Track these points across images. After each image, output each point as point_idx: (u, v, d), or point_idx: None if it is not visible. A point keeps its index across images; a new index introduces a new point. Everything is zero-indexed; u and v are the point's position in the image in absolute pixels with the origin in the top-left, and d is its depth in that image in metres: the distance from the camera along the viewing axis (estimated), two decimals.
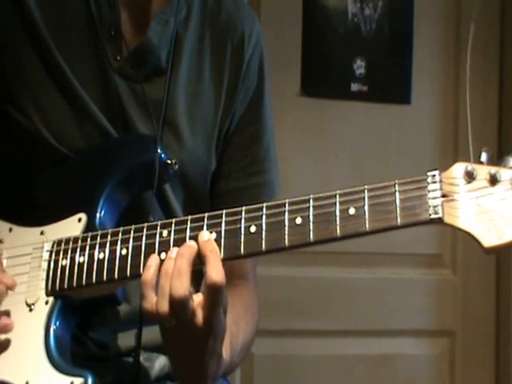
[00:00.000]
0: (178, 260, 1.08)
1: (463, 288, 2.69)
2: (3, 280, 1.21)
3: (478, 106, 2.60)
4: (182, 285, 1.05)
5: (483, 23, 2.65)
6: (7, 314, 1.21)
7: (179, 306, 1.06)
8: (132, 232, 1.16)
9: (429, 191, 0.99)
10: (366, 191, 1.02)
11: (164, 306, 1.06)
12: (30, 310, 1.21)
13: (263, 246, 1.07)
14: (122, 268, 1.15)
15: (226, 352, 1.16)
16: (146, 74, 1.34)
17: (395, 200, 1.00)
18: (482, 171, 0.96)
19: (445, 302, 2.67)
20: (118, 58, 1.32)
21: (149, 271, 1.10)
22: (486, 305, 2.71)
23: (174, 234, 1.13)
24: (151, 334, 1.29)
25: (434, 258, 2.68)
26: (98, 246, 1.18)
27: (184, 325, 1.08)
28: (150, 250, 1.13)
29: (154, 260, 1.11)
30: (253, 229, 1.08)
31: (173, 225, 1.13)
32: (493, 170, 0.96)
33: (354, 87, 2.58)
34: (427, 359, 2.66)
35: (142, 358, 1.33)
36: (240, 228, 1.09)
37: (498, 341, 2.71)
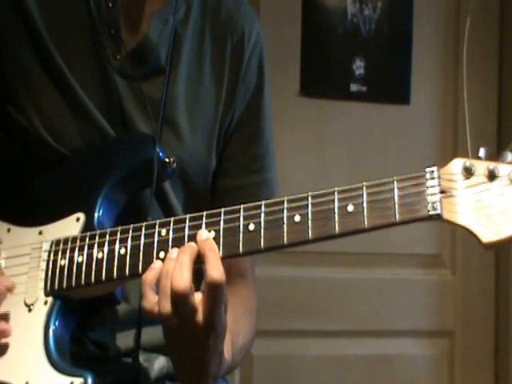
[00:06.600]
0: (180, 255, 1.08)
1: (463, 288, 2.69)
2: (2, 282, 1.21)
3: (476, 105, 2.60)
4: (183, 277, 1.05)
5: (482, 22, 2.65)
6: (5, 318, 1.21)
7: (180, 299, 1.05)
8: (130, 231, 1.16)
9: (427, 187, 0.99)
10: (364, 188, 1.02)
11: (166, 306, 1.06)
12: (29, 310, 1.21)
13: (262, 244, 1.07)
14: (121, 267, 1.15)
15: (227, 350, 1.16)
16: (146, 73, 1.34)
17: (394, 196, 1.00)
18: (481, 167, 0.96)
19: (444, 303, 2.67)
20: (118, 57, 1.32)
21: (150, 272, 1.10)
22: (485, 305, 2.71)
23: (173, 233, 1.12)
24: (150, 334, 1.29)
25: (434, 258, 2.68)
26: (96, 246, 1.18)
27: (186, 323, 1.07)
28: (148, 249, 1.13)
29: (158, 263, 1.11)
30: (251, 227, 1.08)
31: (171, 223, 1.13)
32: (491, 165, 0.95)
33: (354, 87, 2.58)
34: (426, 359, 2.66)
35: (141, 359, 1.32)
36: (238, 226, 1.09)
37: (497, 341, 2.71)
